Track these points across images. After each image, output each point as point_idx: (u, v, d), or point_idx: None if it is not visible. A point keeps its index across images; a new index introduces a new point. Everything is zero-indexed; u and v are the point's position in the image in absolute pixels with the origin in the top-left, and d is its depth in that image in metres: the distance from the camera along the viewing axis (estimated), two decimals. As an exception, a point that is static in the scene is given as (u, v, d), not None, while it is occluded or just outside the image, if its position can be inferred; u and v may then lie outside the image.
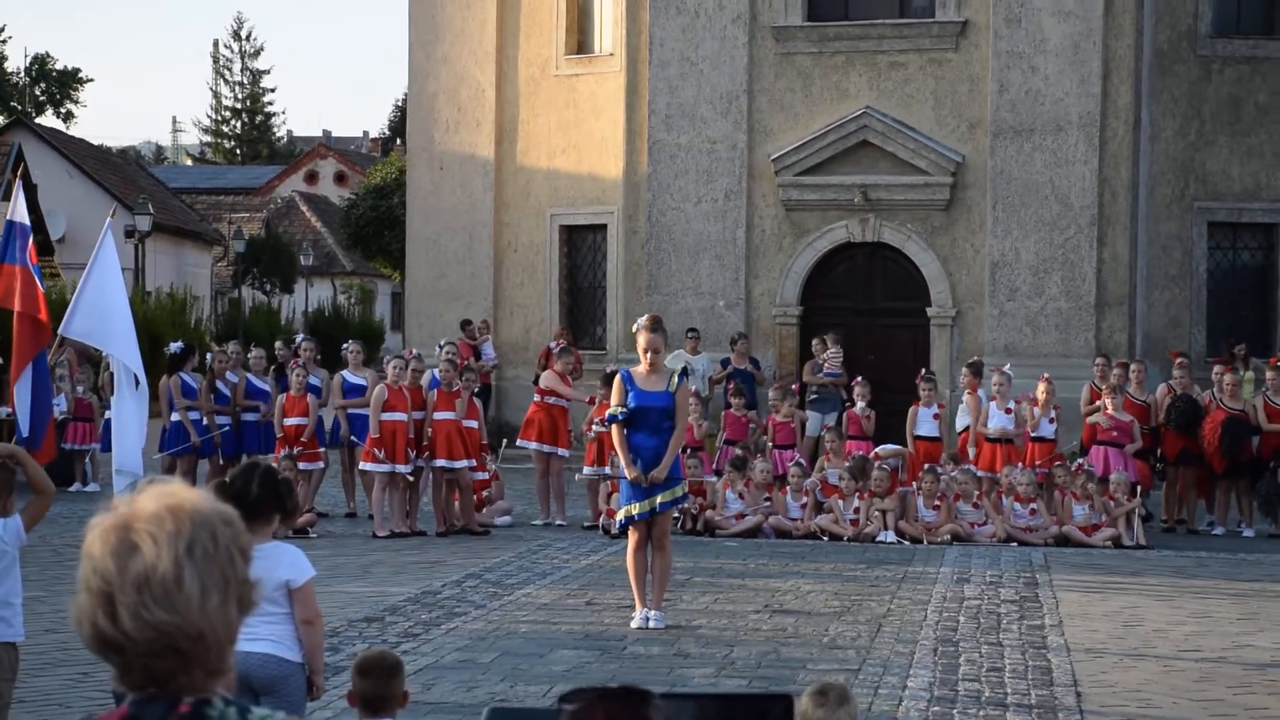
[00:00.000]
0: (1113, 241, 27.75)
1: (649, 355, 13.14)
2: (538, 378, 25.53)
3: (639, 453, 13.07)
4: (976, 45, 28.00)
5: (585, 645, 12.35)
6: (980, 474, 20.27)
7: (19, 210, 19.97)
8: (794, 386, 23.72)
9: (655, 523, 13.19)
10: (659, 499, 13.10)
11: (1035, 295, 27.68)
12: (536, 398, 21.12)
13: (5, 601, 7.97)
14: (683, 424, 13.34)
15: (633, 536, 13.24)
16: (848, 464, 20.16)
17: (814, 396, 24.43)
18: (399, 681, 6.49)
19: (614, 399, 13.33)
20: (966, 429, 21.14)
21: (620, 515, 13.46)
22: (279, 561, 6.97)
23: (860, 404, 21.91)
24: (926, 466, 19.91)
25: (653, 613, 13.11)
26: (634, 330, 13.50)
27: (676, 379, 13.23)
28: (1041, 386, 21.02)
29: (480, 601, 14.41)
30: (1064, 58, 27.54)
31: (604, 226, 30.69)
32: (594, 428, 19.83)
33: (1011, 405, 20.81)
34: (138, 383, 13.82)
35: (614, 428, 13.27)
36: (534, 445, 20.73)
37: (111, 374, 18.09)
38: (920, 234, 28.22)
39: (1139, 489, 19.93)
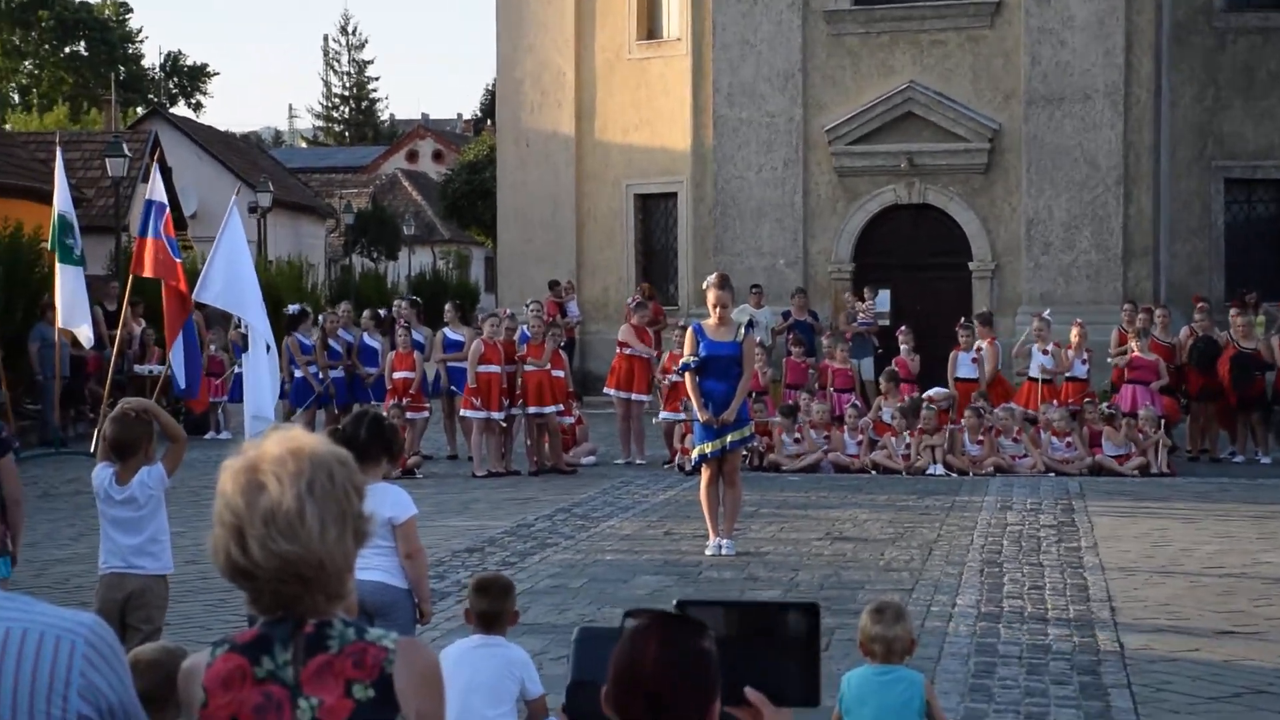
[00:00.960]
0: (1138, 198, 27.45)
1: (718, 310, 13.13)
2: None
3: (710, 397, 13.06)
4: (1009, 22, 27.74)
5: (664, 571, 12.36)
6: (1021, 410, 20.15)
7: (157, 190, 20.19)
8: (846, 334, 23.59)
9: (726, 460, 13.19)
10: (729, 438, 13.08)
11: (1067, 249, 27.43)
12: (618, 349, 21.13)
13: (154, 539, 8.04)
14: (749, 371, 13.30)
15: (705, 473, 13.24)
16: (901, 404, 20.06)
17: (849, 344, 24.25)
18: (511, 600, 6.49)
19: (686, 349, 13.34)
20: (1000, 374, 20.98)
21: (694, 454, 13.45)
22: (385, 500, 6.97)
23: (905, 348, 21.76)
24: (971, 405, 19.78)
25: (725, 541, 13.11)
26: (704, 287, 13.49)
27: (743, 330, 13.21)
28: (1074, 331, 20.93)
29: (569, 533, 14.44)
30: (1090, 32, 27.21)
31: (674, 194, 30.64)
32: (668, 377, 19.81)
33: (1051, 347, 20.66)
34: (268, 348, 13.90)
35: (687, 375, 13.27)
36: (615, 392, 20.76)
37: (242, 333, 18.26)
38: (961, 195, 28.01)
39: (1165, 422, 19.75)
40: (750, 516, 15.09)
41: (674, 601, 2.86)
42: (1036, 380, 20.72)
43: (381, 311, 24.63)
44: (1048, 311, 21.99)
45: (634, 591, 11.40)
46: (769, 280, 27.97)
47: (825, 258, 28.64)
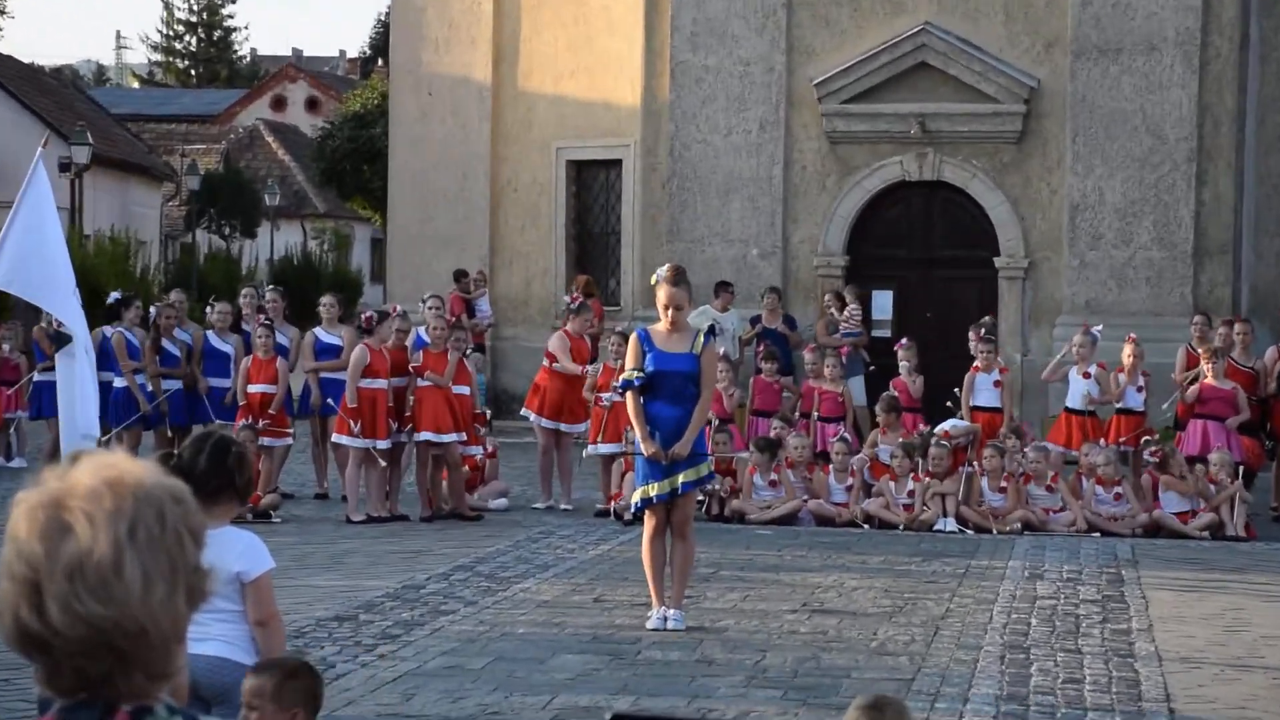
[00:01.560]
0: (1214, 180, 27.68)
1: (670, 312, 13.16)
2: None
3: (657, 424, 13.09)
4: (1055, -50, 27.94)
5: (593, 649, 12.35)
6: (1055, 450, 20.25)
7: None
8: (842, 349, 23.67)
9: (676, 506, 13.21)
10: (680, 478, 13.11)
11: (1122, 243, 27.64)
12: (545, 361, 21.08)
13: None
14: (709, 391, 13.34)
15: (649, 522, 13.26)
16: (903, 440, 20.14)
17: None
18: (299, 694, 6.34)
19: (629, 362, 13.35)
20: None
21: (635, 498, 13.47)
22: (231, 550, 6.93)
23: (905, 367, 21.83)
24: (992, 443, 19.87)
25: (671, 611, 13.13)
26: (653, 283, 13.50)
27: (702, 339, 13.25)
28: (1127, 349, 21.02)
29: (471, 598, 14.44)
30: (1158, -35, 27.47)
31: (618, 162, 30.68)
32: (605, 396, 19.83)
33: (1095, 369, 20.77)
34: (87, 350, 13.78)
35: (629, 395, 13.29)
36: (537, 418, 20.72)
37: (50, 330, 18.10)
38: (987, 171, 28.17)
39: (1244, 470, 19.88)
40: (705, 580, 15.13)
41: (606, 717, 2.86)
42: (1077, 413, 20.82)
43: (244, 298, 24.45)
44: (1099, 327, 22.08)
45: (553, 675, 11.40)
46: (738, 275, 28.06)
47: (810, 248, 28.74)
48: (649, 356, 13.15)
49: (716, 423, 20.54)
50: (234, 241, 62.27)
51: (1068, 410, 21.00)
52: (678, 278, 13.28)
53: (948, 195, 28.50)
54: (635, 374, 13.18)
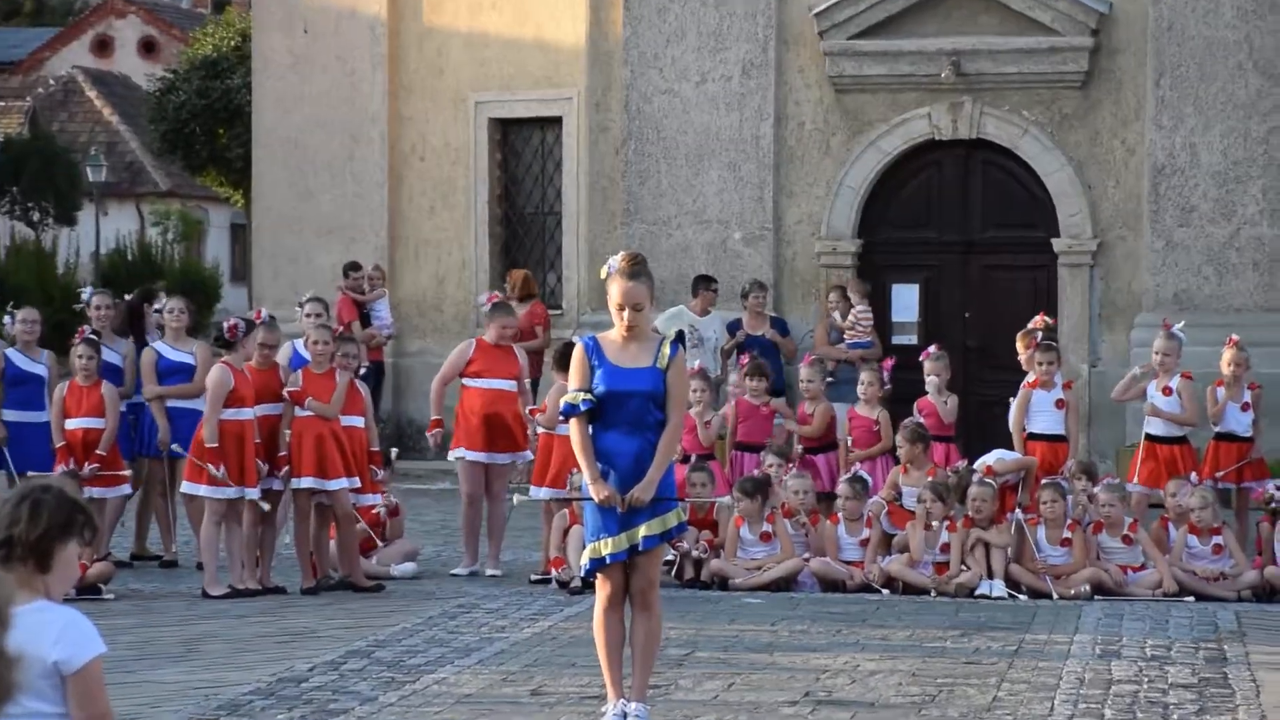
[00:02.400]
0: (1343, 133, 27.91)
1: (625, 314, 13.16)
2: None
3: (611, 460, 13.12)
4: None
5: (532, 756, 12.45)
6: (1136, 490, 20.36)
7: None
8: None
9: (637, 568, 13.26)
10: (641, 531, 13.15)
11: (1222, 217, 27.84)
12: (463, 383, 21.01)
13: None
14: (678, 417, 13.40)
15: (603, 590, 13.27)
16: (934, 480, 20.18)
17: (831, 379, 24.22)
18: None
19: (573, 381, 13.40)
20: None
21: (585, 558, 13.45)
22: (47, 632, 6.96)
23: (933, 383, 21.85)
24: (1051, 480, 19.97)
25: (634, 706, 13.19)
26: (604, 276, 13.52)
27: (668, 349, 13.28)
28: (1228, 355, 21.07)
29: (368, 693, 14.48)
30: None
31: (557, 121, 30.86)
32: (537, 426, 19.94)
33: (1175, 383, 20.86)
34: None
35: (573, 423, 13.33)
36: (464, 454, 20.63)
37: None
38: (1043, 126, 28.38)
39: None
40: (678, 664, 15.22)
41: None
42: (1162, 440, 20.90)
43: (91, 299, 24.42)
44: (1180, 325, 22.18)
45: (478, 791, 11.50)
46: (717, 267, 28.20)
47: (810, 231, 28.92)
48: (599, 373, 13.17)
49: (692, 459, 20.67)
50: (46, 229, 62.01)
51: (1149, 438, 21.03)
52: (635, 269, 13.22)
53: (990, 158, 28.71)
54: (581, 396, 13.19)
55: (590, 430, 13.16)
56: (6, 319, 21.89)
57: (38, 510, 7.05)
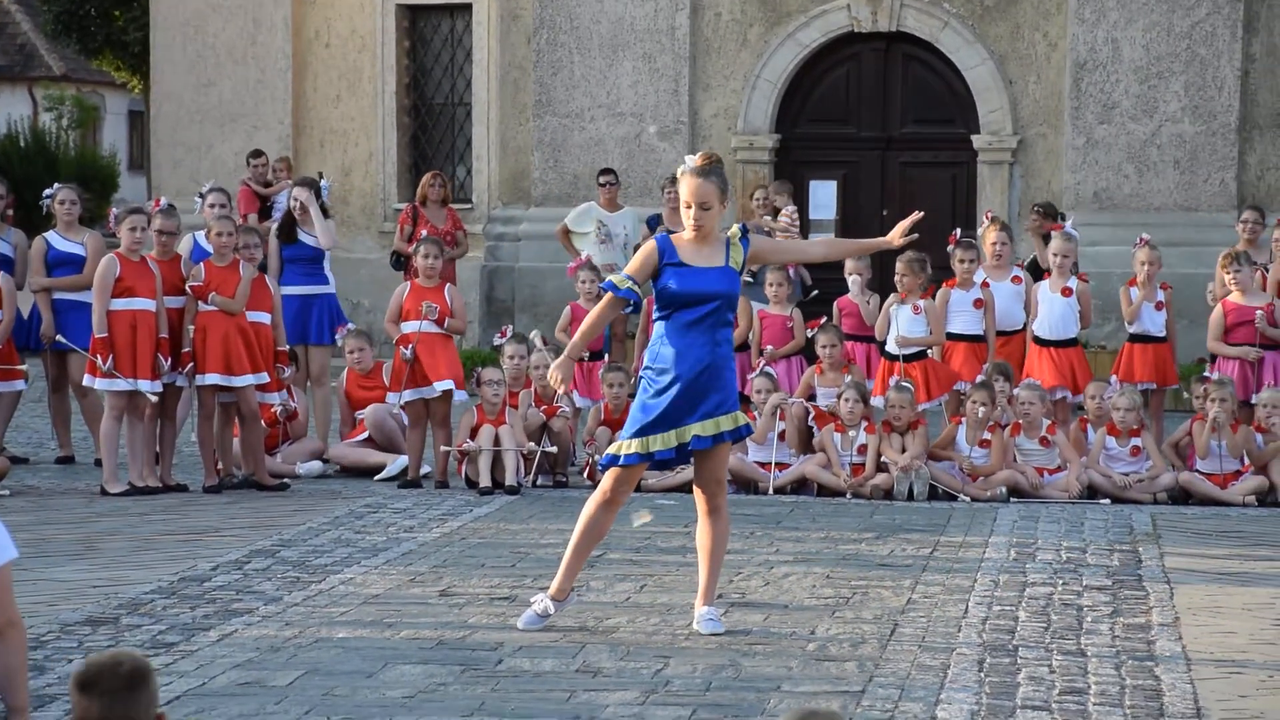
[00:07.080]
0: (1268, 25, 27.94)
1: (693, 212, 12.85)
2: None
3: (679, 364, 12.69)
4: None
5: (439, 658, 12.39)
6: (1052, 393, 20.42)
7: None
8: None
9: (704, 468, 12.99)
10: (694, 430, 12.81)
11: (1144, 113, 27.90)
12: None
13: None
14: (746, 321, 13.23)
15: (613, 486, 13.00)
16: (854, 380, 20.11)
17: (750, 280, 24.13)
18: (144, 698, 6.49)
19: (630, 267, 13.04)
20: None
21: (619, 449, 13.05)
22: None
23: (855, 283, 21.80)
24: (975, 382, 19.94)
25: (703, 608, 12.99)
26: (677, 174, 13.21)
27: (739, 245, 13.02)
28: (1141, 254, 21.02)
29: (273, 593, 14.45)
30: None
31: (467, 8, 30.71)
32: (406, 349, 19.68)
33: (1073, 284, 20.81)
34: None
35: (605, 298, 12.99)
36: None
37: None
38: (964, 18, 28.34)
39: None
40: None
41: None
42: (1050, 344, 20.80)
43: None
44: (1070, 223, 22.03)
45: (384, 693, 11.46)
46: (631, 161, 28.21)
47: (727, 125, 28.91)
48: (670, 272, 12.85)
49: (605, 358, 20.67)
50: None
51: (1037, 341, 20.92)
52: (707, 166, 12.91)
53: (910, 51, 28.69)
54: (628, 284, 12.82)
55: (663, 330, 12.87)
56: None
57: None
